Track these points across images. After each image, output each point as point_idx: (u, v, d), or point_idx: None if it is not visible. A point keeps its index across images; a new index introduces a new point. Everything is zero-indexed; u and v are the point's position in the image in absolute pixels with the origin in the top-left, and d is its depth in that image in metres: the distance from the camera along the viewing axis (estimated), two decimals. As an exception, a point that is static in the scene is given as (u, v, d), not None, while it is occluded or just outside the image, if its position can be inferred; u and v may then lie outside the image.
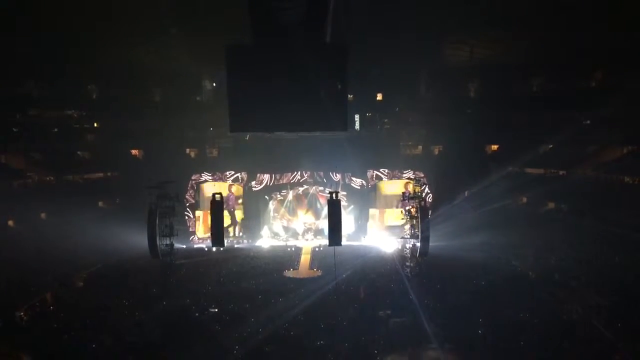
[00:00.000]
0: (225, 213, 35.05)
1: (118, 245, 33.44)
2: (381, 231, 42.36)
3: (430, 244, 28.09)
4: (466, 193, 40.89)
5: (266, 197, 43.22)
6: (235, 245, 40.17)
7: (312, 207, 43.38)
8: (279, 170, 43.06)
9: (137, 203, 31.95)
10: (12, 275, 27.17)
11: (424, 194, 36.25)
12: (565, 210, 37.85)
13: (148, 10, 31.06)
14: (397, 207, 42.03)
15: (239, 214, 43.31)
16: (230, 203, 41.95)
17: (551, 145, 43.49)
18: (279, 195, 43.36)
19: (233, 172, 42.70)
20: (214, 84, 46.62)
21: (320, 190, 42.78)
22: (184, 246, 37.29)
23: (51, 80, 42.75)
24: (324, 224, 37.86)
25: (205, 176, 42.63)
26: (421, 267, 29.07)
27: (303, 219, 43.16)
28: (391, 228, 41.60)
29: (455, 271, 29.33)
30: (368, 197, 43.20)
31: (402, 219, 32.30)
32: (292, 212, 43.35)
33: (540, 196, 39.43)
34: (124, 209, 39.99)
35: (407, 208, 30.83)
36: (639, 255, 27.03)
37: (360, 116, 47.31)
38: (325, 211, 32.93)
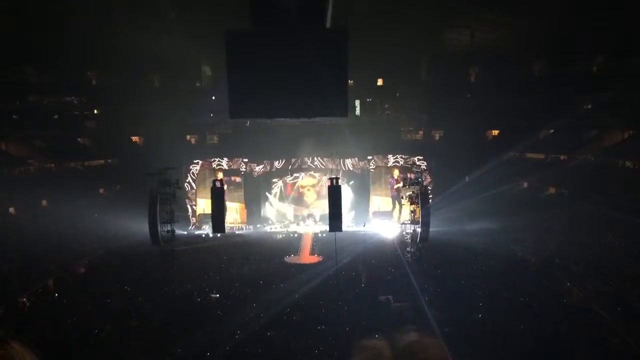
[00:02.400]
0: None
1: (119, 231, 33.52)
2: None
3: (431, 229, 28.13)
4: (467, 178, 40.85)
5: (266, 183, 43.18)
6: (236, 232, 40.23)
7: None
8: (280, 156, 42.98)
9: (137, 190, 31.96)
10: (13, 262, 27.24)
11: (424, 179, 36.23)
12: (566, 195, 37.84)
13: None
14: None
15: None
16: None
17: (552, 130, 43.40)
18: (279, 181, 43.31)
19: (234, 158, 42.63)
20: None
21: (320, 176, 42.75)
22: (185, 232, 37.37)
23: (50, 66, 42.58)
24: (325, 210, 37.93)
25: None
26: (422, 252, 29.12)
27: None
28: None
29: (456, 256, 29.42)
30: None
31: (403, 204, 32.30)
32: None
33: (541, 181, 39.41)
34: (124, 195, 39.99)
35: (407, 194, 30.79)
36: (639, 240, 27.07)
37: (360, 102, 47.20)
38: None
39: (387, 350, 2.06)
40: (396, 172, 41.92)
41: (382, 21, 35.83)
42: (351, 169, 42.63)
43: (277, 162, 42.77)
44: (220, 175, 41.81)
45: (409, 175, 36.79)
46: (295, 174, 43.11)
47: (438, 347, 2.10)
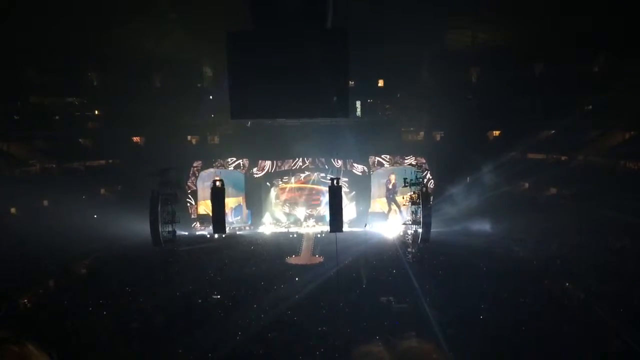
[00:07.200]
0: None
1: (120, 232, 33.48)
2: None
3: (432, 230, 28.10)
4: (468, 179, 40.80)
5: (267, 183, 43.19)
6: (237, 232, 40.25)
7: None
8: (281, 156, 43.01)
9: (138, 190, 31.94)
10: (14, 263, 27.23)
11: (425, 180, 36.24)
12: (567, 195, 37.76)
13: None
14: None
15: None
16: None
17: (553, 131, 43.33)
18: (280, 182, 43.33)
19: (234, 159, 42.69)
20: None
21: (322, 177, 42.78)
22: (186, 233, 37.36)
23: (52, 67, 42.54)
24: (325, 210, 37.95)
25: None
26: (423, 253, 29.10)
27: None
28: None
29: (457, 257, 29.39)
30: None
31: (404, 204, 32.32)
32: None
33: (542, 182, 39.34)
34: (125, 196, 39.98)
35: (408, 194, 30.77)
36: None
37: (361, 102, 47.09)
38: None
39: (387, 355, 2.05)
40: (392, 177, 42.47)
41: (383, 21, 35.73)
42: (351, 169, 42.72)
43: (278, 162, 42.84)
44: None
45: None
46: (295, 175, 43.12)
47: (439, 352, 2.10)
